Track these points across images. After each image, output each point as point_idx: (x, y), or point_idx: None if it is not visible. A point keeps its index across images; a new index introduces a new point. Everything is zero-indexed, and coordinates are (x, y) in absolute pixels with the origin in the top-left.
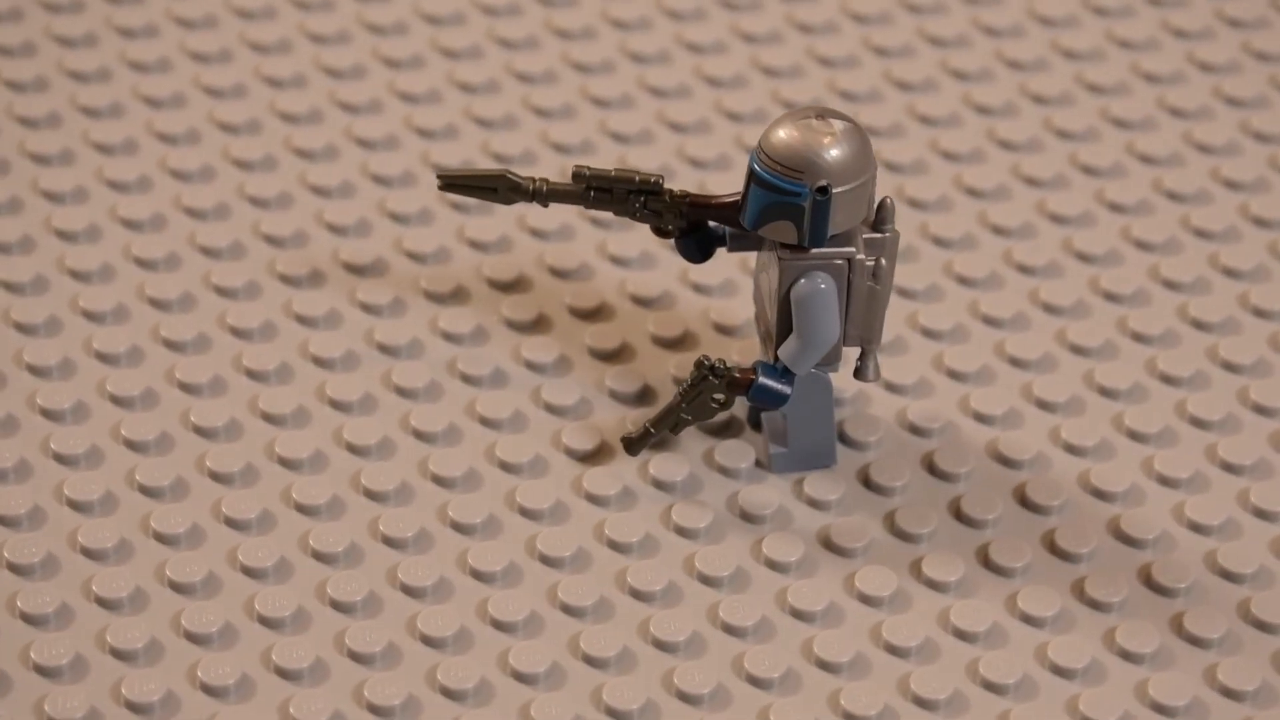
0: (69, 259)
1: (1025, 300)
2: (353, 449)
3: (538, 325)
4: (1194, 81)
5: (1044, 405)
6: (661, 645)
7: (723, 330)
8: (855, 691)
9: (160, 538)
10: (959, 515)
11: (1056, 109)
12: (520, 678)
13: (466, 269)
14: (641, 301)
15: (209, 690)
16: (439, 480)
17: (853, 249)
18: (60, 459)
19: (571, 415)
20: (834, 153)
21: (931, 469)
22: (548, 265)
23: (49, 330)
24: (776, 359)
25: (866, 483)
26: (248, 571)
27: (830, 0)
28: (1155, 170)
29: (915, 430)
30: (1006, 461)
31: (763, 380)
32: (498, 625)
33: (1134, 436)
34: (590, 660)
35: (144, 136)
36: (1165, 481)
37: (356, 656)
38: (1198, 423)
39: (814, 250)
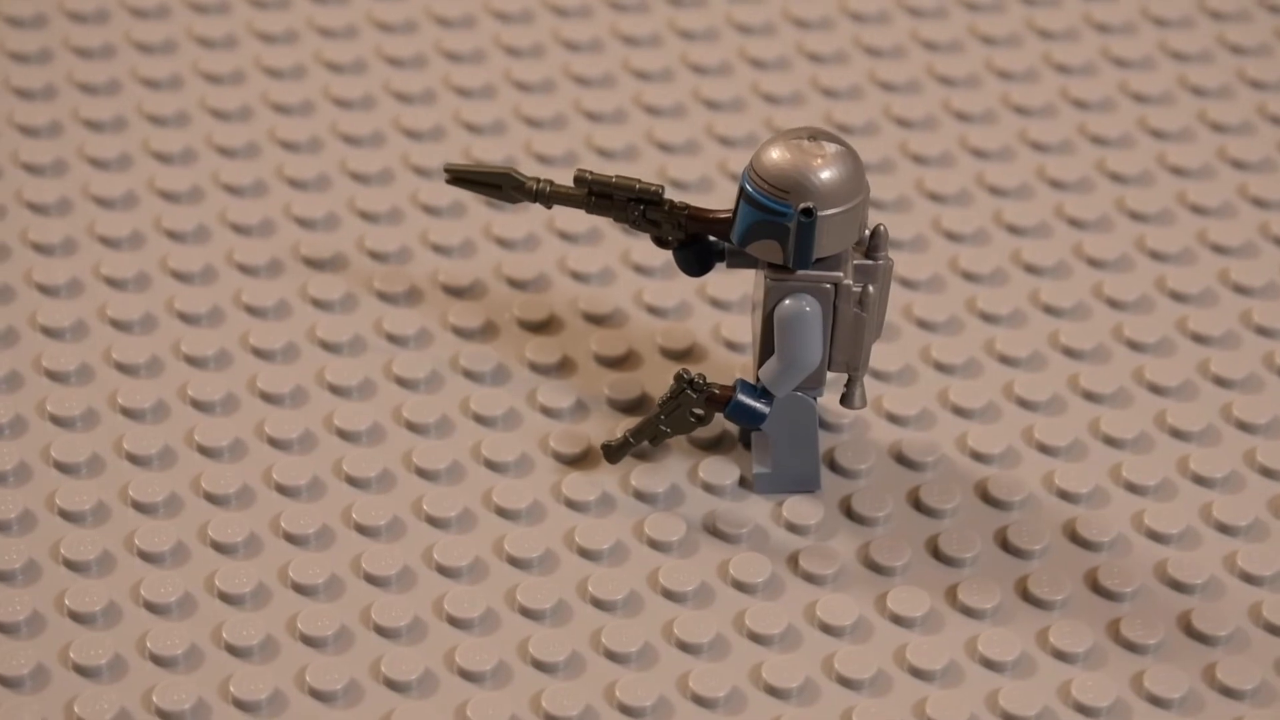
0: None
1: (1044, 341)
2: (342, 434)
3: (547, 326)
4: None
5: (1044, 449)
6: (612, 656)
7: (733, 346)
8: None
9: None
10: (935, 552)
11: (1112, 150)
12: (465, 675)
13: (487, 265)
14: (656, 311)
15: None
16: (421, 472)
17: (840, 274)
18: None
19: (565, 418)
20: (823, 175)
21: (917, 503)
22: (569, 268)
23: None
24: (758, 379)
25: (848, 511)
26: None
27: (840, 33)
28: (1202, 221)
29: (907, 463)
30: (994, 502)
31: (740, 398)
32: (452, 621)
33: (1131, 488)
34: (538, 664)
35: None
36: (1155, 536)
37: (309, 640)
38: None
39: (800, 272)
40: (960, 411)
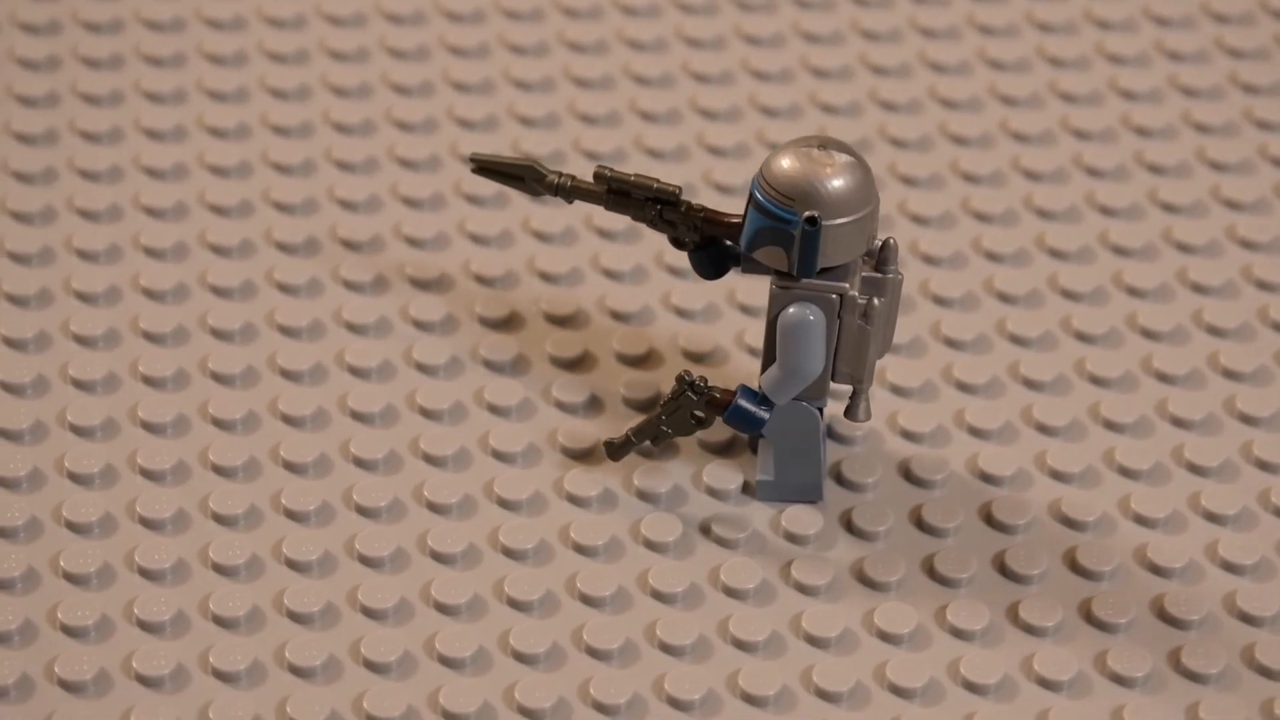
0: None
1: (1070, 366)
2: (355, 415)
3: (571, 321)
4: None
5: (1056, 474)
6: (593, 652)
7: (755, 352)
8: None
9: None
10: (931, 571)
11: (1166, 179)
12: (444, 660)
13: (521, 257)
14: (683, 313)
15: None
16: (428, 457)
17: (846, 285)
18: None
19: (578, 414)
20: (830, 185)
21: (919, 521)
22: (602, 265)
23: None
24: (760, 385)
25: (849, 524)
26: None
27: (907, 46)
28: (1249, 255)
29: (914, 479)
30: (998, 525)
31: (740, 403)
32: (439, 607)
33: (1140, 520)
34: (518, 655)
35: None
36: (1156, 570)
37: (294, 615)
38: (1210, 517)
39: (805, 280)
40: (976, 432)
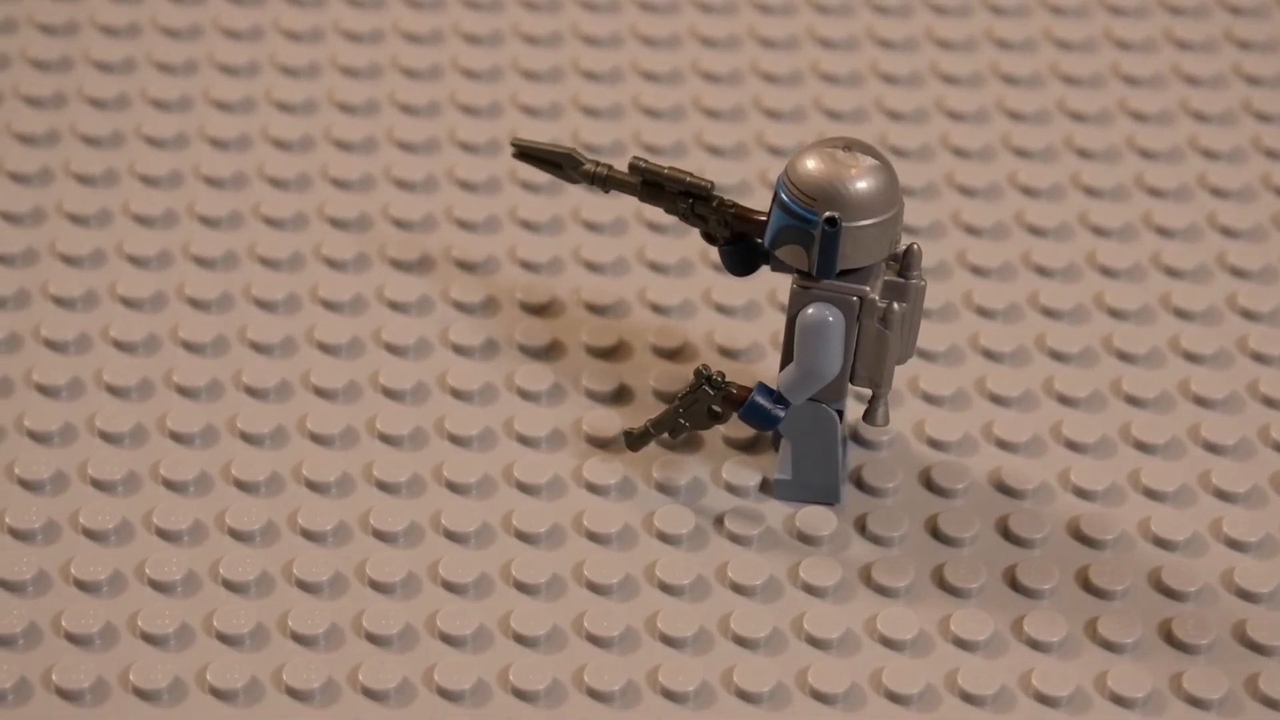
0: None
1: (1107, 385)
2: (387, 391)
3: (611, 310)
4: None
5: (1079, 491)
6: (593, 638)
7: None
8: None
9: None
10: (940, 580)
11: (1225, 201)
12: (445, 638)
13: (567, 246)
14: (722, 309)
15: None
16: (453, 437)
17: (866, 288)
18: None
19: (605, 402)
20: (853, 186)
21: (934, 530)
22: (647, 259)
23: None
24: (777, 384)
25: (863, 528)
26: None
27: (980, 56)
28: None
29: (935, 488)
30: (1013, 538)
31: (756, 399)
32: (446, 585)
33: (1159, 543)
34: (518, 637)
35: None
36: (1169, 592)
37: (302, 584)
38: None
39: (826, 281)
40: (1002, 444)
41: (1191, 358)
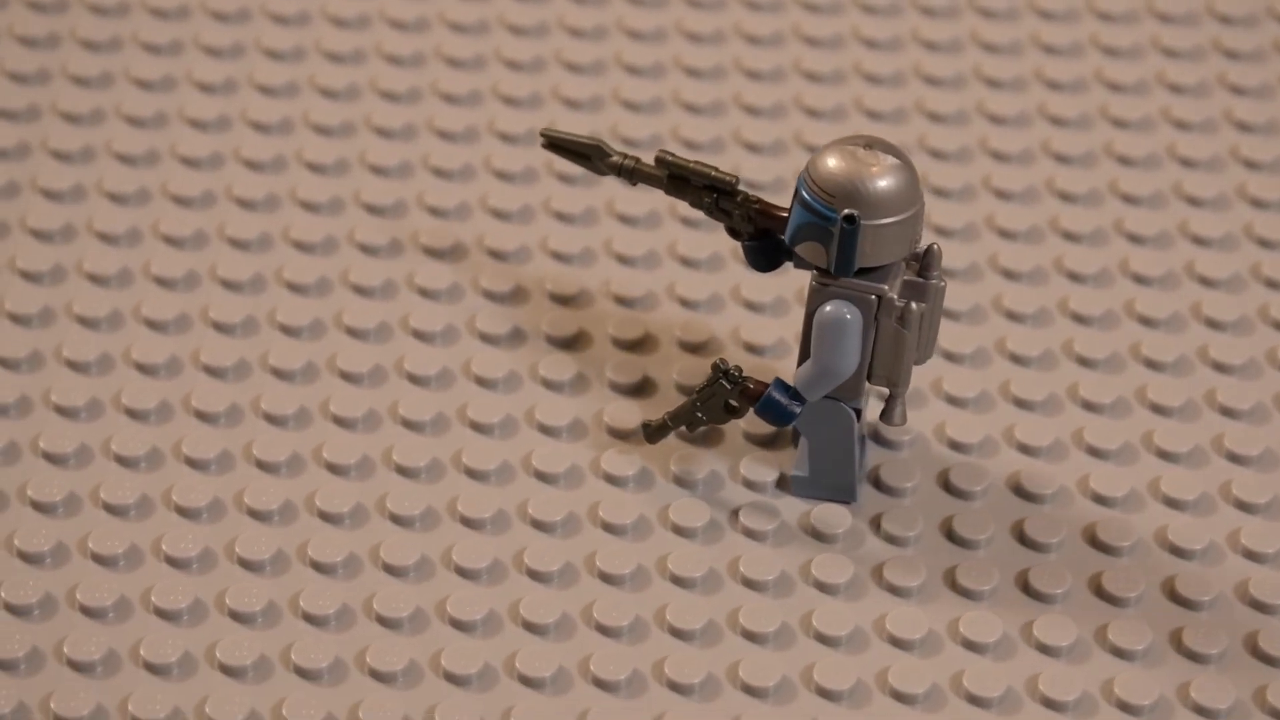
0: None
1: (1132, 393)
2: (411, 377)
3: (640, 303)
4: None
5: (1098, 498)
6: (601, 628)
7: None
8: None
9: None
10: (952, 582)
11: (1262, 212)
12: (454, 623)
13: (600, 237)
14: (751, 305)
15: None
16: (474, 425)
17: (884, 286)
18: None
19: (628, 394)
20: (872, 185)
21: (949, 531)
22: (679, 254)
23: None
24: (794, 380)
25: (877, 527)
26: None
27: (1026, 60)
28: None
29: (953, 490)
30: (1029, 542)
31: (772, 394)
32: (459, 570)
33: (1176, 551)
34: (527, 625)
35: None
36: (1181, 601)
37: (317, 565)
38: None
39: (845, 279)
40: (1024, 449)
41: (1220, 367)
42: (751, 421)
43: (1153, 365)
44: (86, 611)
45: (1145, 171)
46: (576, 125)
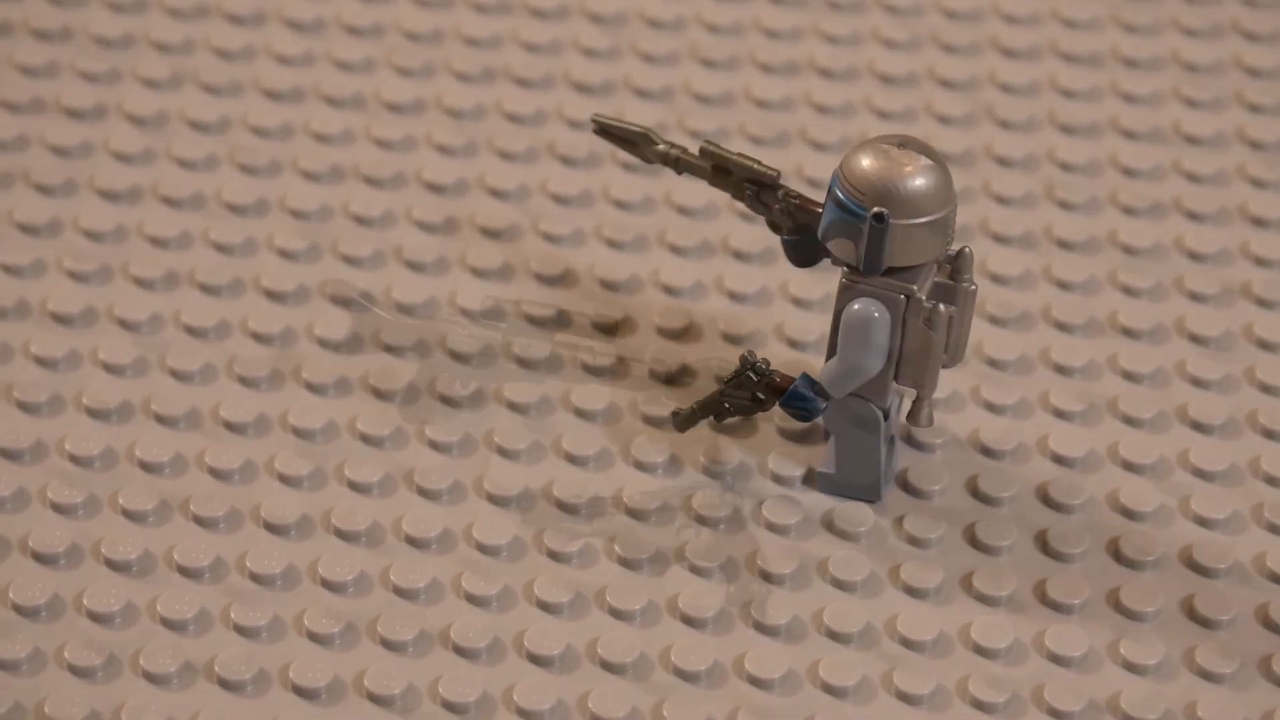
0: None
1: (1173, 408)
2: (454, 354)
3: (689, 292)
4: None
5: (1126, 512)
6: (614, 611)
7: None
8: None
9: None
10: (969, 586)
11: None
12: (470, 598)
13: (655, 227)
14: (799, 301)
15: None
16: (511, 404)
17: (914, 286)
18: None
19: (666, 383)
20: (904, 184)
21: (972, 538)
22: (732, 247)
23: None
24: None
25: (900, 528)
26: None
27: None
28: None
29: (979, 495)
30: (1052, 552)
31: (798, 388)
32: (480, 547)
33: (1196, 568)
34: (542, 604)
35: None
36: (1200, 620)
37: (341, 533)
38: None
39: (874, 277)
40: (1057, 459)
41: (1267, 389)
42: (784, 416)
43: (1198, 383)
44: (94, 617)
45: (1212, 188)
46: (644, 115)
